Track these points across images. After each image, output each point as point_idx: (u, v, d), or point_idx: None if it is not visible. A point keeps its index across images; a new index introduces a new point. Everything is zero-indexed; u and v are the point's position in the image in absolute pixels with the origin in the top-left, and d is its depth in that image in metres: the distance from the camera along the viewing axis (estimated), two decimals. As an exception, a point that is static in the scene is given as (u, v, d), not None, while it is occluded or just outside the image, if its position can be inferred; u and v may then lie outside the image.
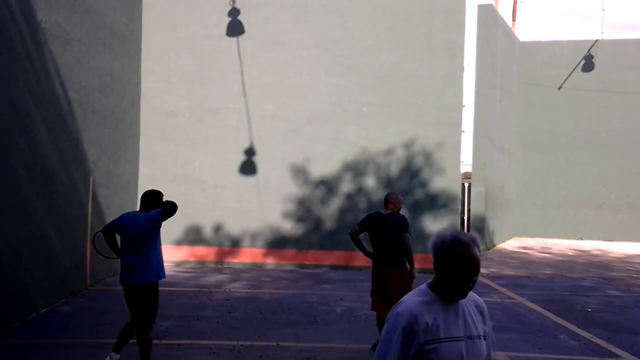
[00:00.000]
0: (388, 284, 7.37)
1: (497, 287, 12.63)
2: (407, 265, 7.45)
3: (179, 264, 14.22)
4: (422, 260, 13.40)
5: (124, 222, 6.28)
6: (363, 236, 7.62)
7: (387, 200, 7.64)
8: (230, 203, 14.38)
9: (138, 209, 6.47)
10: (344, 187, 14.49)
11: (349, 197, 14.47)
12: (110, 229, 6.40)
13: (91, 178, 10.93)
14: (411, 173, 14.45)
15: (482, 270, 15.15)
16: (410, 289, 7.57)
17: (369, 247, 7.67)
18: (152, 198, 6.31)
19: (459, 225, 15.02)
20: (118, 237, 6.36)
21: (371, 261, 7.64)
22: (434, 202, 14.37)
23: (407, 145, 14.44)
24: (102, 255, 6.91)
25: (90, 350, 6.50)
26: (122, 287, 6.25)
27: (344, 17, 14.61)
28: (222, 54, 14.48)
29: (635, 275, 15.04)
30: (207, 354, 7.14)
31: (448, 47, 14.48)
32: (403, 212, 7.92)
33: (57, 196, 9.66)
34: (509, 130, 23.87)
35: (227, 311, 9.47)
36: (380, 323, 7.49)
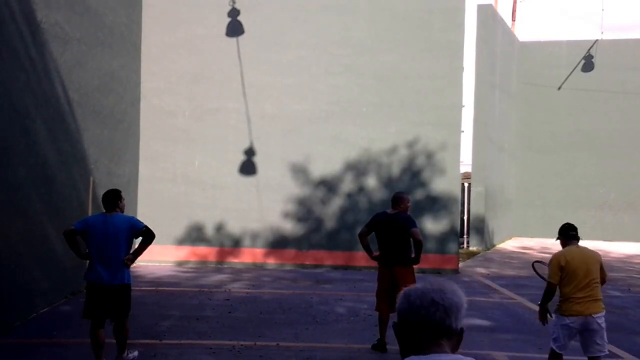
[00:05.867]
0: (397, 283, 7.42)
1: (497, 287, 12.63)
2: (413, 257, 7.52)
3: (179, 263, 14.21)
4: (421, 261, 13.39)
5: (93, 224, 6.43)
6: (370, 237, 7.67)
7: (394, 200, 7.67)
8: (230, 203, 14.38)
9: (105, 210, 6.56)
10: (344, 187, 14.49)
11: (349, 197, 14.47)
12: (75, 232, 6.46)
13: (91, 178, 10.94)
14: (411, 173, 14.45)
15: (482, 270, 15.21)
16: None
17: (375, 249, 7.70)
18: (115, 197, 6.53)
19: (458, 225, 15.03)
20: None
21: (377, 262, 7.68)
22: (434, 202, 14.37)
23: (407, 145, 14.44)
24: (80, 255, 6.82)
25: (90, 350, 6.50)
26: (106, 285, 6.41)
27: (344, 17, 14.61)
28: (222, 54, 14.48)
29: (636, 276, 15.04)
30: (207, 354, 7.15)
31: (448, 47, 14.47)
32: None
33: (57, 196, 9.66)
34: (508, 131, 23.87)
35: (227, 311, 9.47)
36: (382, 323, 7.51)
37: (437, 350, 1.90)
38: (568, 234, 6.16)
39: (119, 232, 6.35)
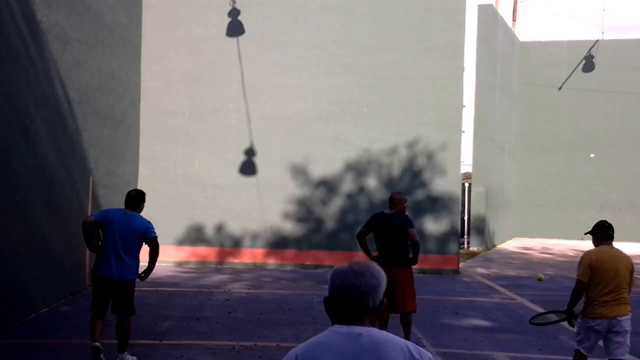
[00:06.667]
0: (394, 284, 7.38)
1: (498, 287, 12.61)
2: (411, 258, 7.49)
3: (180, 264, 14.20)
4: (422, 261, 13.35)
5: (113, 218, 6.54)
6: (369, 238, 7.65)
7: (391, 200, 7.65)
8: (230, 203, 14.36)
9: (126, 207, 6.73)
10: (344, 187, 14.47)
11: (349, 197, 14.46)
12: (96, 222, 6.54)
13: (91, 178, 10.92)
14: (411, 173, 14.43)
15: (483, 270, 15.21)
16: (414, 289, 7.59)
17: (374, 249, 7.68)
18: (139, 197, 6.77)
19: (459, 226, 15.01)
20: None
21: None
22: (434, 203, 14.36)
23: (407, 146, 14.42)
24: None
25: (89, 351, 6.49)
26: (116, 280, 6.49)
27: (344, 17, 14.59)
28: (222, 54, 14.47)
29: (636, 276, 15.00)
30: (207, 354, 7.13)
31: (448, 47, 14.46)
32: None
33: (57, 196, 9.65)
34: (509, 131, 23.86)
35: (227, 311, 9.46)
36: (382, 324, 7.48)
37: (357, 324, 2.29)
38: (607, 233, 5.90)
39: (135, 233, 6.51)
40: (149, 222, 6.68)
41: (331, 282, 2.34)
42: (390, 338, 2.29)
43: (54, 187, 9.58)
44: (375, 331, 2.28)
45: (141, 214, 6.81)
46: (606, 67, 24.43)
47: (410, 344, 2.31)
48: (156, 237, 6.65)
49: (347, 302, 2.29)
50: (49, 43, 9.28)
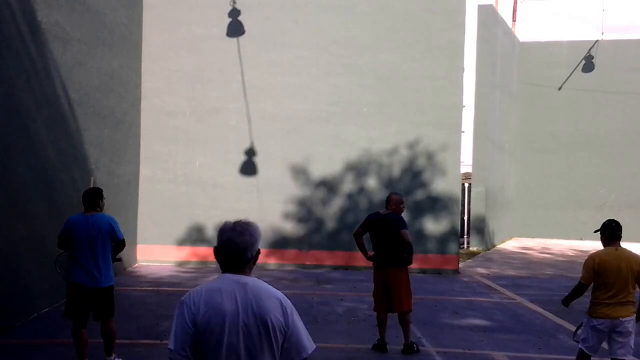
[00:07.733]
0: (389, 283, 7.40)
1: (498, 287, 12.62)
2: (406, 258, 7.49)
3: (180, 264, 14.21)
4: (421, 261, 13.42)
5: (74, 224, 6.32)
6: (366, 237, 7.66)
7: (388, 200, 7.66)
8: (230, 203, 14.36)
9: (85, 209, 6.45)
10: (345, 187, 14.49)
11: (350, 197, 14.47)
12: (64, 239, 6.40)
13: (92, 178, 10.93)
14: (411, 173, 14.44)
15: (483, 270, 15.21)
16: (410, 289, 7.61)
17: (371, 249, 7.70)
18: (96, 196, 6.47)
19: (459, 226, 15.02)
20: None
21: (372, 262, 7.68)
22: (434, 203, 14.37)
23: (407, 146, 14.43)
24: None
25: (91, 350, 6.49)
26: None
27: (344, 17, 14.60)
28: (222, 54, 14.47)
29: (636, 276, 15.02)
30: (208, 354, 7.12)
31: (448, 47, 14.47)
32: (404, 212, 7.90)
33: (58, 196, 9.66)
34: (509, 131, 23.86)
35: (228, 311, 9.45)
36: (381, 324, 7.51)
37: (241, 273, 2.93)
38: (615, 233, 5.88)
39: (103, 233, 6.25)
40: (113, 220, 6.41)
41: (219, 237, 2.95)
42: (268, 288, 2.94)
43: (55, 188, 9.59)
44: (257, 281, 2.93)
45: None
46: (606, 67, 24.41)
47: (280, 295, 2.96)
48: (124, 239, 6.44)
49: (231, 254, 2.92)
50: (49, 43, 9.29)
